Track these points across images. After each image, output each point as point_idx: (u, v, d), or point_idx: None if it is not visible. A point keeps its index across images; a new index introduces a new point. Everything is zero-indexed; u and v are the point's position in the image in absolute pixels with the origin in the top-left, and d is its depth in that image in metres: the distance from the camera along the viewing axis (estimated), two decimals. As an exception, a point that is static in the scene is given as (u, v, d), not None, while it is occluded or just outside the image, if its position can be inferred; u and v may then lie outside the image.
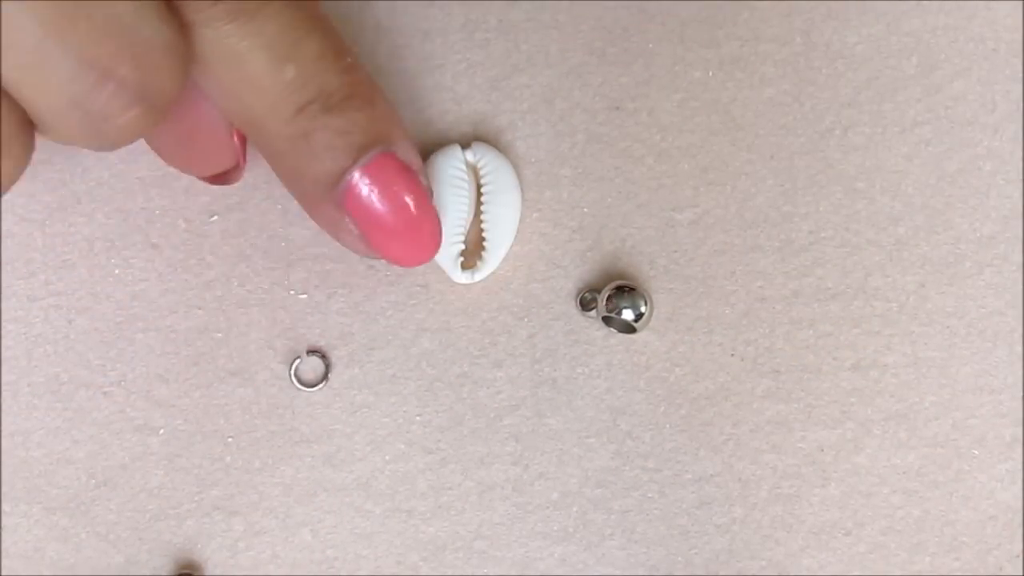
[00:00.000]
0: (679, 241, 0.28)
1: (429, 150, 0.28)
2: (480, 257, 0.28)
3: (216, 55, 0.22)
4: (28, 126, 0.21)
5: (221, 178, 0.26)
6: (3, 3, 0.19)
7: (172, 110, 0.23)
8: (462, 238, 0.27)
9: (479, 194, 0.28)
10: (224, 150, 0.25)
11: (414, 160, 0.25)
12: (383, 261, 0.27)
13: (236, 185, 0.28)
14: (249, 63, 0.22)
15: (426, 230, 0.25)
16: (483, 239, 0.28)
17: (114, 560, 0.27)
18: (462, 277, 0.28)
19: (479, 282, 0.28)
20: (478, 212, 0.28)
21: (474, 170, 0.28)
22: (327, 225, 0.25)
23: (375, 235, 0.25)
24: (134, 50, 0.20)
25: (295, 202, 0.28)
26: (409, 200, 0.24)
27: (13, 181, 0.21)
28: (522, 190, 0.28)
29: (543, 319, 0.28)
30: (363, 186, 0.24)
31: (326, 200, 0.24)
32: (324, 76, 0.23)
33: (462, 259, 0.28)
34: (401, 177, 0.24)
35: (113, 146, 0.21)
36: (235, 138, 0.25)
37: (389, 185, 0.24)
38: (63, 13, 0.19)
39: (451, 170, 0.27)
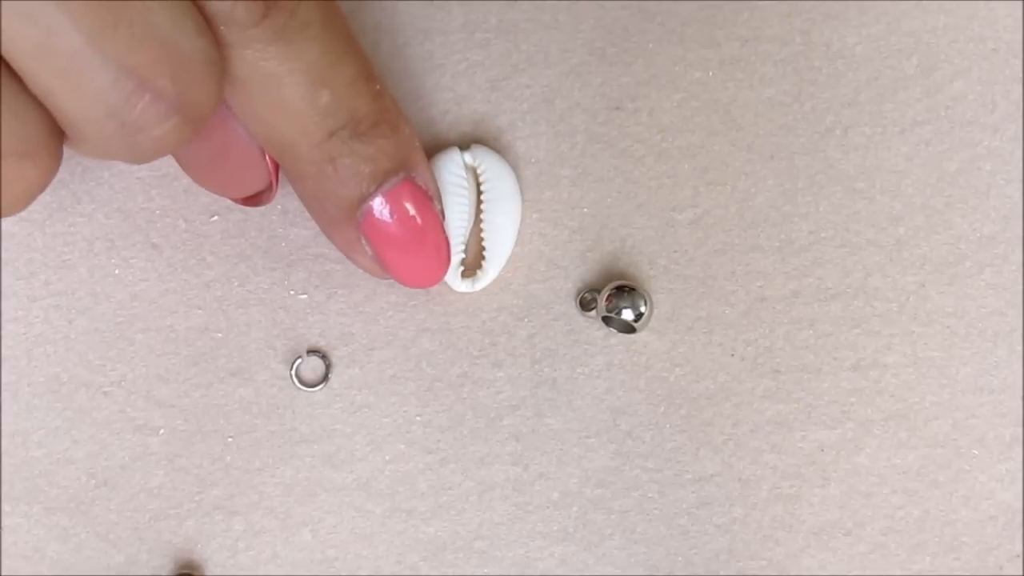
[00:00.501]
0: (679, 241, 0.28)
1: (429, 151, 0.28)
2: (480, 266, 0.28)
3: (252, 76, 0.22)
4: (58, 135, 0.21)
5: (254, 199, 0.26)
6: (45, 7, 0.19)
7: (205, 127, 0.23)
8: (463, 247, 0.27)
9: (479, 200, 0.28)
10: (256, 171, 0.25)
11: (431, 184, 0.25)
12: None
13: (236, 185, 0.28)
14: (286, 87, 0.22)
15: (439, 253, 0.26)
16: (483, 248, 0.28)
17: (114, 560, 0.27)
18: (462, 286, 0.28)
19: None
20: (478, 219, 0.28)
21: (473, 174, 0.28)
22: (343, 246, 0.26)
23: (390, 257, 0.25)
24: (172, 61, 0.20)
25: (295, 202, 0.28)
26: (424, 225, 0.25)
27: (39, 191, 0.21)
28: (522, 192, 0.28)
29: (543, 319, 0.28)
30: (383, 211, 0.24)
31: (346, 223, 0.25)
32: (356, 102, 0.23)
33: (462, 268, 0.28)
34: (419, 203, 0.25)
35: (145, 159, 0.21)
36: (267, 159, 0.25)
37: (407, 211, 0.25)
38: (104, 20, 0.19)
39: (451, 176, 0.27)
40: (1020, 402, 0.28)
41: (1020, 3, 0.29)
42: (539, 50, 0.29)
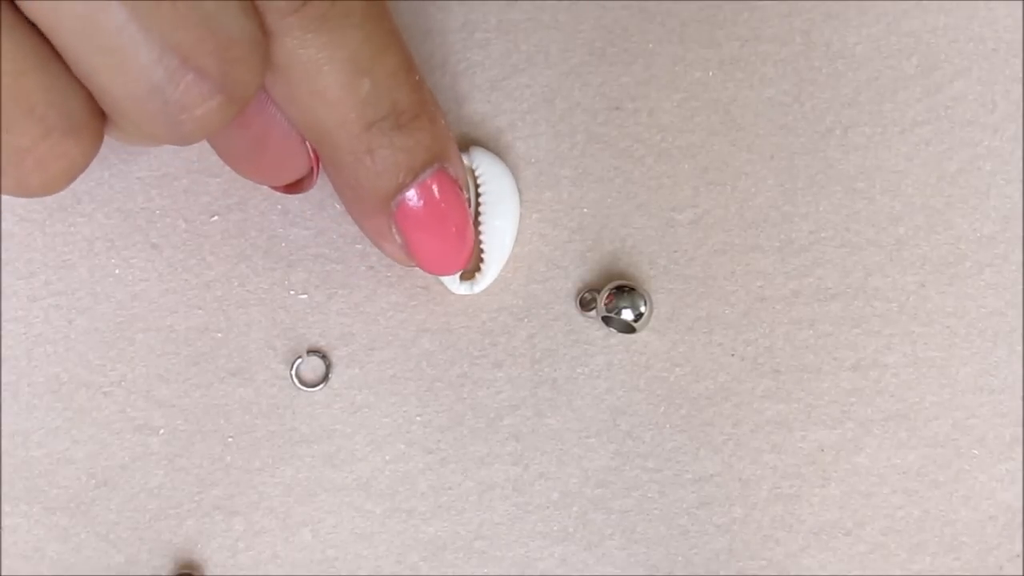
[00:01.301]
0: (679, 241, 0.28)
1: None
2: (479, 268, 0.28)
3: (293, 63, 0.22)
4: (100, 116, 0.21)
5: (295, 187, 0.26)
6: None
7: (244, 114, 0.23)
8: None
9: (477, 203, 0.27)
10: (297, 158, 0.25)
11: (462, 174, 0.26)
12: (390, 262, 0.27)
13: (236, 185, 0.28)
14: (327, 75, 0.22)
15: (464, 242, 0.26)
16: (481, 250, 0.28)
17: (114, 560, 0.27)
18: (460, 288, 0.28)
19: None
20: (476, 222, 0.28)
21: (472, 176, 0.28)
22: (373, 234, 0.26)
23: (417, 244, 0.25)
24: (216, 40, 0.20)
25: (295, 202, 0.28)
26: (454, 214, 0.25)
27: (80, 170, 0.21)
28: (520, 194, 0.28)
29: (543, 319, 0.28)
30: (417, 201, 0.24)
31: (380, 212, 0.25)
32: (397, 92, 0.23)
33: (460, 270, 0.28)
34: (452, 194, 0.25)
35: (186, 140, 0.21)
36: (308, 145, 0.25)
37: (439, 201, 0.25)
38: None
39: None
40: (1020, 402, 0.28)
41: (1020, 3, 0.29)
42: (539, 50, 0.29)
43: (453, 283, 0.28)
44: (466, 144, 0.28)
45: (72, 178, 0.21)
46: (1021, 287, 0.28)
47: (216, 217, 0.28)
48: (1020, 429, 0.28)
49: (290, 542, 0.27)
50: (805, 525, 0.28)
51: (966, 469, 0.28)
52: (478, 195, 0.27)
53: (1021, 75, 0.29)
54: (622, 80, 0.29)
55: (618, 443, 0.28)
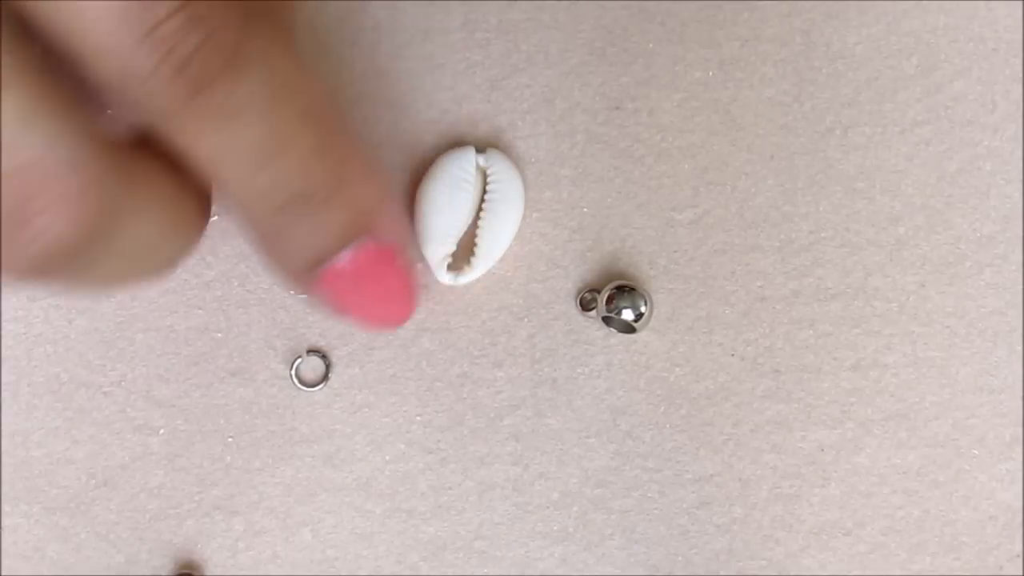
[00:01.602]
0: (679, 241, 0.28)
1: (431, 151, 0.28)
2: (468, 262, 0.28)
3: (188, 152, 0.20)
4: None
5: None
6: None
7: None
8: (454, 240, 0.27)
9: (482, 200, 0.28)
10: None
11: (395, 237, 0.23)
12: None
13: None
14: (225, 168, 0.20)
15: (402, 303, 0.24)
16: (475, 244, 0.28)
17: (114, 560, 0.27)
18: (445, 278, 0.28)
19: (475, 282, 0.28)
20: (477, 218, 0.28)
21: (483, 175, 0.28)
22: (296, 290, 0.24)
23: (349, 309, 0.23)
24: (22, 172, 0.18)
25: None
26: (388, 280, 0.23)
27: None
28: (525, 201, 0.28)
29: (543, 319, 0.28)
30: (338, 274, 0.22)
31: (299, 281, 0.23)
32: (308, 176, 0.21)
33: (450, 260, 0.28)
34: (381, 263, 0.23)
35: (32, 268, 0.19)
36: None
37: (365, 271, 0.23)
38: None
39: (459, 171, 0.27)
40: (1020, 402, 0.28)
41: (1020, 3, 0.29)
42: (539, 50, 0.29)
43: (439, 271, 0.28)
44: (484, 146, 0.28)
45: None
46: (1021, 287, 0.28)
47: (216, 217, 0.28)
48: (1020, 429, 0.28)
49: (290, 542, 0.27)
50: (805, 525, 0.28)
51: (966, 469, 0.28)
52: (485, 192, 0.28)
53: (1021, 75, 0.29)
54: (622, 80, 0.29)
55: (618, 443, 0.28)
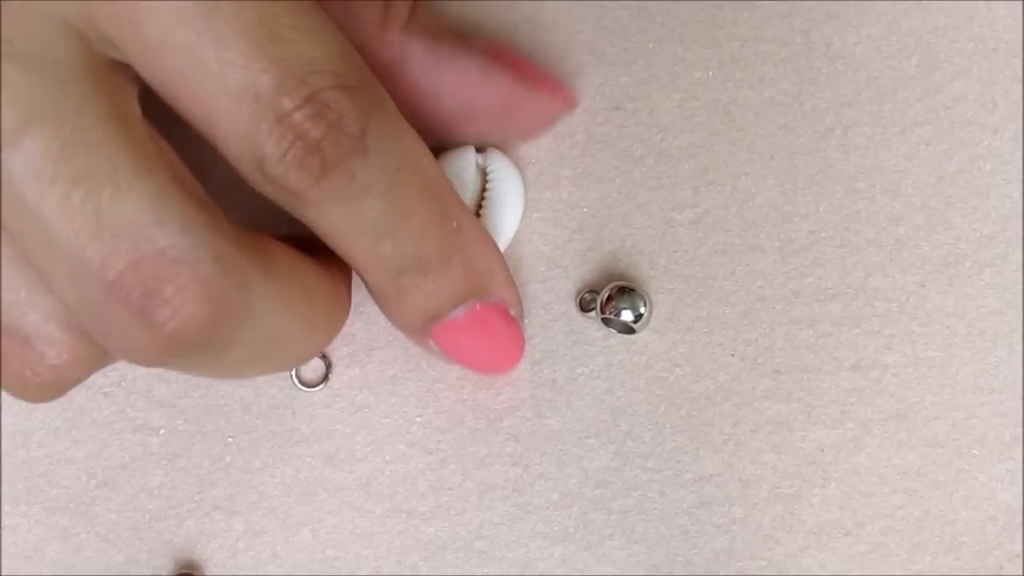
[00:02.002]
0: (679, 241, 0.28)
1: (432, 151, 0.28)
2: None
3: (314, 227, 0.22)
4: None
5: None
6: None
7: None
8: None
9: (481, 199, 0.28)
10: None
11: (508, 299, 0.25)
12: None
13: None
14: (347, 241, 0.22)
15: (512, 353, 0.26)
16: None
17: (114, 560, 0.27)
18: None
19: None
20: (476, 216, 0.28)
21: (482, 174, 0.28)
22: (412, 340, 0.26)
23: (462, 361, 0.26)
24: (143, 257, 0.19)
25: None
26: (499, 337, 0.25)
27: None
28: (525, 201, 0.28)
29: (543, 319, 0.28)
30: (450, 330, 0.24)
31: (414, 337, 0.25)
32: (424, 246, 0.23)
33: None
34: (493, 322, 0.25)
35: (160, 354, 0.20)
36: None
37: (475, 331, 0.25)
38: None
39: (459, 171, 0.27)
40: (1020, 402, 0.28)
41: (1020, 3, 0.29)
42: (540, 50, 0.29)
43: None
44: (485, 146, 0.28)
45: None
46: (1021, 287, 0.28)
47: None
48: (1020, 429, 0.28)
49: (290, 542, 0.28)
50: (805, 525, 0.28)
51: (966, 469, 0.28)
52: (484, 191, 0.28)
53: (1021, 75, 0.29)
54: (622, 80, 0.29)
55: (618, 443, 0.28)
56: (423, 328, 0.24)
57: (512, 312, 0.25)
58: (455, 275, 0.24)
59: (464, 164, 0.27)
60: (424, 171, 0.23)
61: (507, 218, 0.28)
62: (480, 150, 0.28)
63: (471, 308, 0.24)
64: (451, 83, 0.25)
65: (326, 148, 0.20)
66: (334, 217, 0.21)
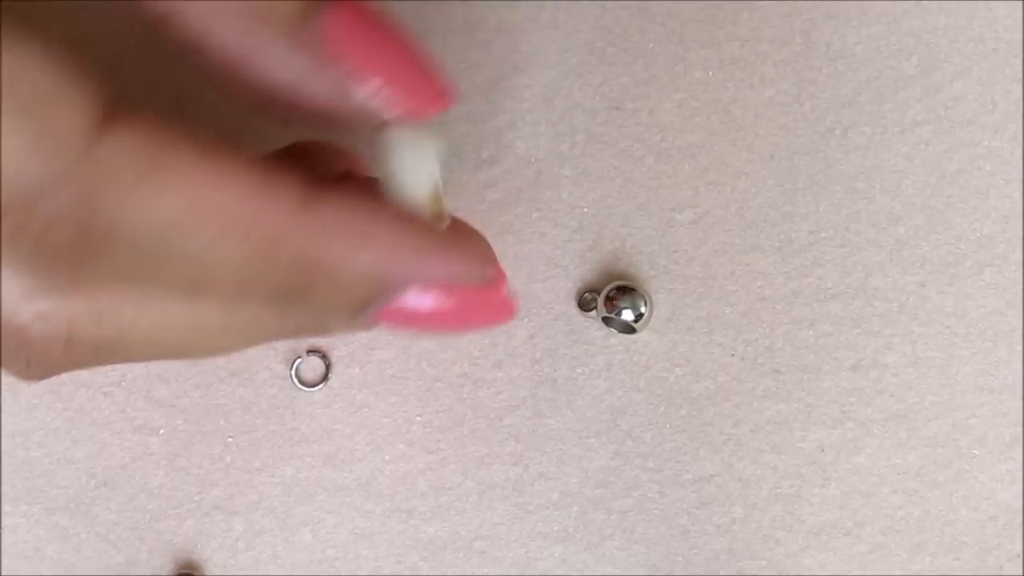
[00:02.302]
0: (679, 241, 0.28)
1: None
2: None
3: None
4: None
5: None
6: None
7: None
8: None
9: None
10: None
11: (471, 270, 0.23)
12: None
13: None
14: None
15: (498, 309, 0.23)
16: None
17: (114, 560, 0.27)
18: None
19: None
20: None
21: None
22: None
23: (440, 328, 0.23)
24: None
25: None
26: (462, 304, 0.22)
27: None
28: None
29: (543, 319, 0.28)
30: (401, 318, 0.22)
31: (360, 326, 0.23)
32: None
33: None
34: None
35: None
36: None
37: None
38: None
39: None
40: (1020, 402, 0.28)
41: (1020, 3, 0.29)
42: (539, 50, 0.29)
43: None
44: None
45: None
46: (1021, 287, 0.28)
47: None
48: (1020, 429, 0.28)
49: (290, 542, 0.27)
50: (805, 525, 0.28)
51: (966, 469, 0.28)
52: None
53: (1021, 75, 0.29)
54: (622, 80, 0.29)
55: (618, 443, 0.28)
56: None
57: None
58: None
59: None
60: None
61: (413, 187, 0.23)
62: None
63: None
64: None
65: None
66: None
